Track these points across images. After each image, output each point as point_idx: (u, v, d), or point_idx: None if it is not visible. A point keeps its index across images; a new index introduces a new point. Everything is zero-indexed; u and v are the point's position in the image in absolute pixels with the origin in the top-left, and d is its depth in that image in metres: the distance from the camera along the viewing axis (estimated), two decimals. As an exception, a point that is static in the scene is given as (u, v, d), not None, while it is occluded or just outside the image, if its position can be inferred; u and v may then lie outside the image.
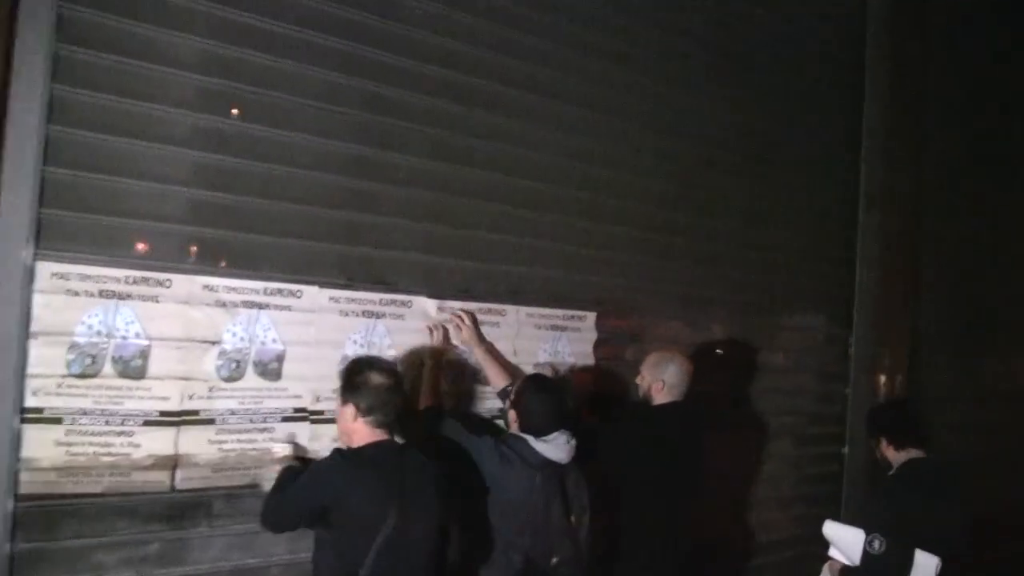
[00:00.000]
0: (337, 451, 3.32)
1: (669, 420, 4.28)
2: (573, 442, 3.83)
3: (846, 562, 4.09)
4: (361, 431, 3.30)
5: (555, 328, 4.75)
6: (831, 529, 4.19)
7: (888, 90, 6.76)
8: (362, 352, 3.98)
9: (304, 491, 3.21)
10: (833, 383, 6.59)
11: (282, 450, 3.80)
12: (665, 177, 5.40)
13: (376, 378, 3.30)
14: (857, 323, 6.62)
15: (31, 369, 3.22)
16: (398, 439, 3.42)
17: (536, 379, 4.04)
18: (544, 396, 3.85)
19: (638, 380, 4.43)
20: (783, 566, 6.00)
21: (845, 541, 4.10)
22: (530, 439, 3.78)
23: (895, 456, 4.34)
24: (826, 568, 4.28)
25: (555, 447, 3.78)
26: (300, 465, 3.64)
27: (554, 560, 3.77)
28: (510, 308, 4.56)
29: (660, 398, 4.31)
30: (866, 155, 6.70)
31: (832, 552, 4.19)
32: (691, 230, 5.55)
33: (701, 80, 5.61)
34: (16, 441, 3.19)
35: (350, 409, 3.30)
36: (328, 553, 3.24)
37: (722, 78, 5.74)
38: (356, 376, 3.33)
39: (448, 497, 3.44)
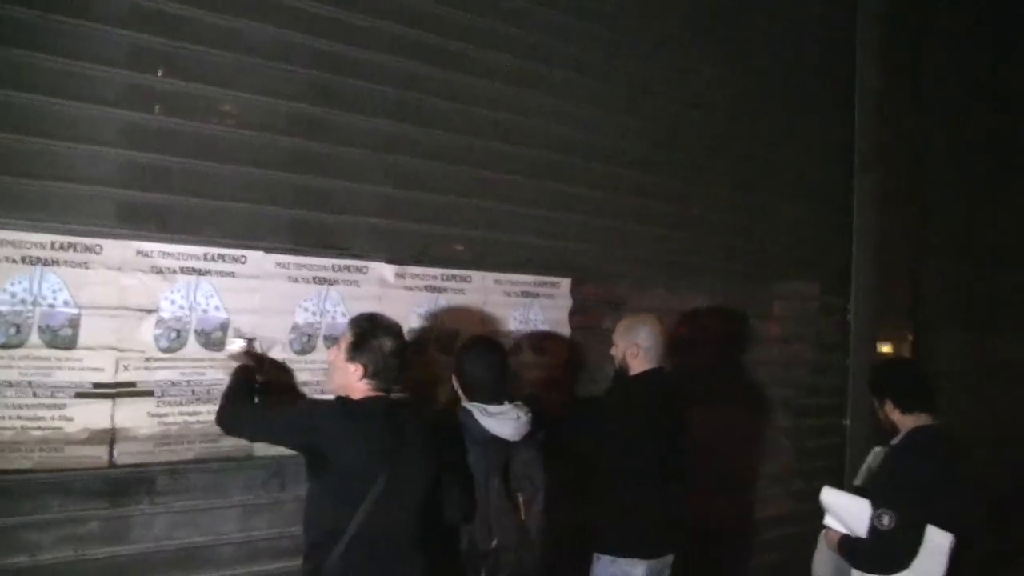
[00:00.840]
0: (339, 399, 3.27)
1: (649, 389, 4.12)
2: (525, 417, 3.64)
3: (844, 531, 3.89)
4: (361, 389, 3.27)
5: (526, 295, 4.59)
6: (830, 496, 3.97)
7: (882, 41, 6.56)
8: (315, 320, 3.89)
9: (301, 419, 3.24)
10: (832, 353, 6.43)
11: (236, 345, 3.68)
12: (644, 138, 5.23)
13: (389, 343, 3.28)
14: (855, 291, 6.44)
15: (-50, 340, 3.09)
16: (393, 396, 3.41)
17: (476, 339, 3.92)
18: (483, 358, 3.72)
19: (612, 350, 4.26)
20: (783, 543, 5.85)
21: (846, 510, 3.88)
22: (476, 411, 3.61)
23: (902, 420, 4.04)
24: (822, 537, 4.08)
25: (501, 422, 3.60)
26: (254, 365, 3.64)
27: (493, 543, 3.58)
28: (475, 274, 4.40)
29: (636, 365, 4.14)
30: (860, 112, 6.49)
31: (828, 520, 3.98)
32: (674, 194, 5.39)
33: (683, 35, 5.46)
34: (-66, 415, 3.06)
35: (356, 368, 3.26)
36: (318, 506, 3.22)
37: (705, 31, 5.58)
38: (370, 338, 3.27)
39: (439, 456, 3.43)
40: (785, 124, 6.06)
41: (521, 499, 3.61)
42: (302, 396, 3.83)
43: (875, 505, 3.73)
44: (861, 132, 6.48)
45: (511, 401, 3.67)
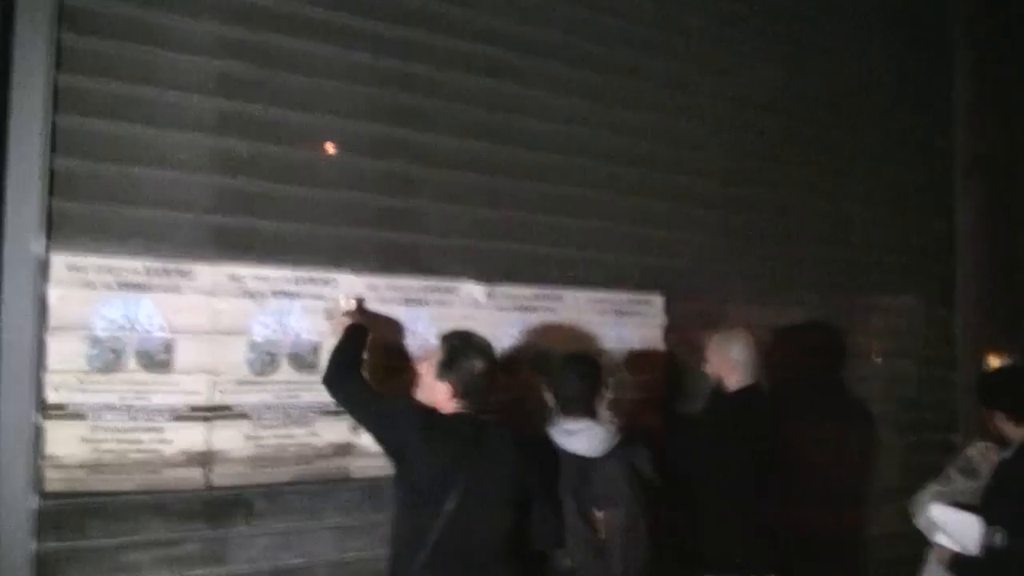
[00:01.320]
0: (429, 409, 3.29)
1: (746, 405, 4.05)
2: (605, 433, 3.61)
3: (956, 549, 3.75)
4: (450, 408, 3.29)
5: (619, 312, 4.54)
6: (941, 513, 3.85)
7: (980, 44, 6.37)
8: (408, 341, 3.90)
9: (389, 418, 3.25)
10: (937, 368, 6.19)
11: (345, 303, 3.69)
12: (738, 151, 5.14)
13: (477, 364, 3.27)
14: (960, 301, 6.24)
15: (50, 364, 3.15)
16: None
17: (572, 355, 3.91)
18: (573, 373, 3.72)
19: (705, 367, 4.21)
20: (888, 562, 5.66)
21: (957, 527, 3.77)
22: (555, 432, 3.61)
23: (1015, 433, 3.91)
24: (932, 556, 3.95)
25: (579, 439, 3.58)
26: (365, 323, 3.61)
27: (566, 562, 3.54)
28: (567, 293, 4.37)
29: (733, 381, 4.08)
30: (961, 118, 6.31)
31: (939, 538, 3.86)
32: (769, 207, 5.29)
33: (771, 47, 5.35)
34: (38, 437, 3.12)
35: (445, 387, 3.28)
36: (398, 515, 3.25)
37: (796, 44, 5.48)
38: (461, 358, 3.28)
39: (532, 479, 3.40)
40: (884, 132, 5.91)
41: (601, 517, 3.52)
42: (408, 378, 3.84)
43: (988, 522, 3.60)
44: (963, 139, 6.28)
45: (595, 417, 3.65)
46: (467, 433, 3.23)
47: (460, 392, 3.26)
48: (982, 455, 4.24)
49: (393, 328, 3.90)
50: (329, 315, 3.68)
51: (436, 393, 3.31)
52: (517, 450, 3.36)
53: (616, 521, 3.53)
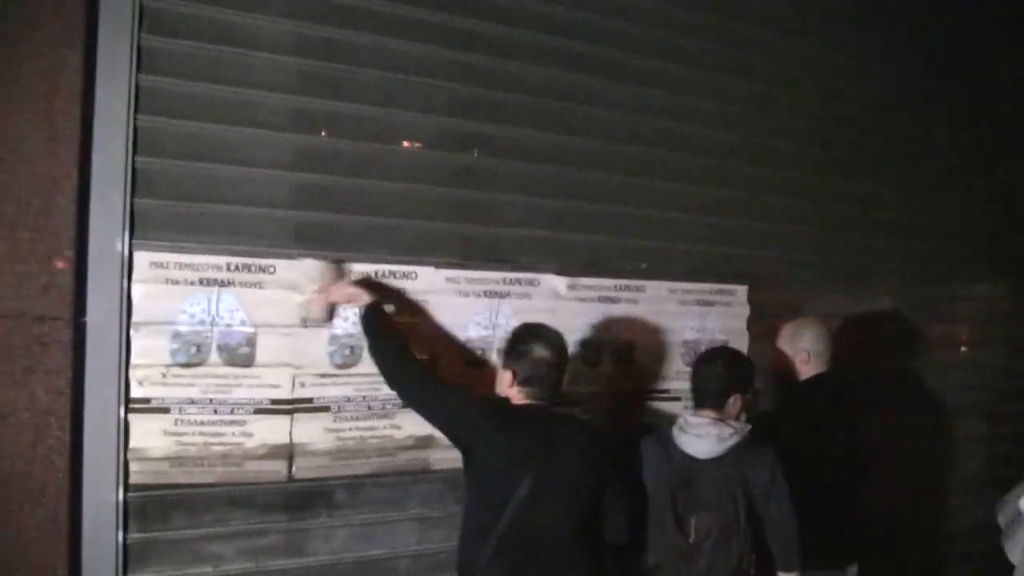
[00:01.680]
0: (496, 399, 3.36)
1: (821, 394, 4.01)
2: (719, 436, 3.52)
3: None
4: (515, 396, 3.31)
5: (702, 303, 4.47)
6: None
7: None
8: (487, 334, 3.88)
9: (452, 409, 3.25)
10: (1024, 356, 6.01)
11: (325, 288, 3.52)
12: (818, 140, 5.03)
13: (539, 351, 3.27)
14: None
15: (135, 359, 3.19)
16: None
17: (713, 348, 3.98)
18: (704, 365, 3.73)
19: (777, 358, 4.17)
20: (972, 557, 5.54)
21: None
22: (675, 427, 3.62)
23: None
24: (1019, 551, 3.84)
25: (690, 439, 3.54)
26: (387, 303, 3.57)
27: (650, 559, 3.54)
28: (650, 284, 4.31)
29: (807, 371, 4.06)
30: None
31: None
32: (849, 196, 5.16)
33: (850, 30, 5.19)
34: (124, 431, 3.17)
35: (508, 375, 3.33)
36: (469, 504, 3.28)
37: (875, 25, 5.31)
38: (520, 344, 3.33)
39: (605, 472, 3.33)
40: (966, 116, 5.73)
41: (693, 521, 3.46)
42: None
43: None
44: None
45: (722, 414, 3.62)
46: (536, 424, 3.22)
47: (523, 380, 3.28)
48: None
49: (399, 298, 3.75)
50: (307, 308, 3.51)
51: (503, 382, 3.36)
52: (590, 442, 3.32)
53: (708, 528, 3.46)
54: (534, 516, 3.10)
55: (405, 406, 3.50)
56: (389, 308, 3.56)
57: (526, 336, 3.34)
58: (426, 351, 3.67)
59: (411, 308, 3.73)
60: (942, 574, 5.61)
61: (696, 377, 3.72)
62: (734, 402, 3.65)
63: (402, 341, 3.38)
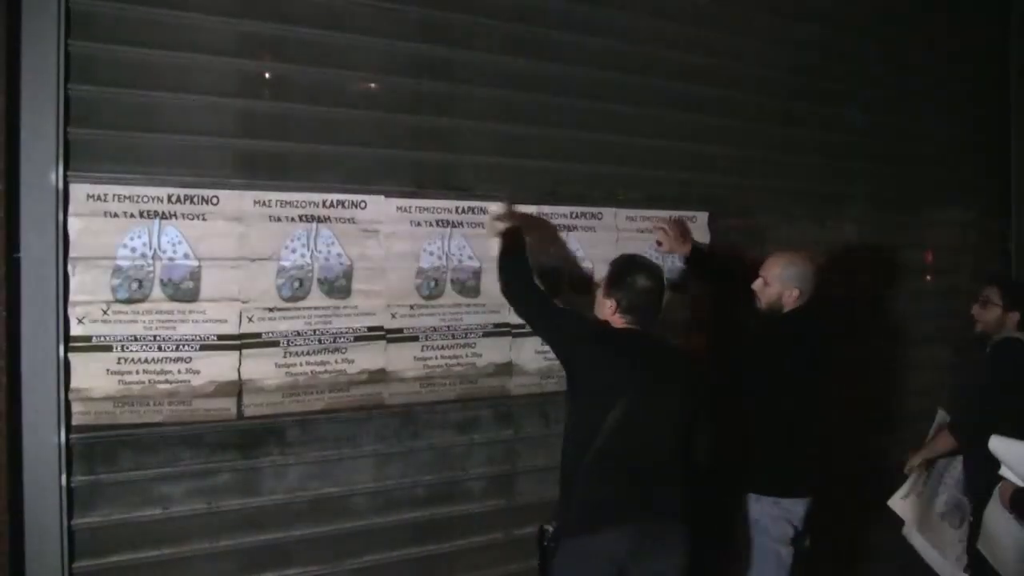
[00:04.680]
0: (599, 323, 3.48)
1: (805, 325, 3.98)
2: None
3: (1020, 483, 3.61)
4: (618, 323, 3.42)
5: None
6: (1000, 445, 3.67)
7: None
8: (440, 264, 3.81)
9: (566, 333, 3.43)
10: (993, 283, 5.98)
11: (496, 208, 3.85)
12: (784, 63, 4.94)
13: (642, 280, 3.39)
14: (1016, 215, 6.02)
15: (74, 296, 3.08)
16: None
17: None
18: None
19: (756, 286, 4.05)
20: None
21: (1020, 459, 3.61)
22: None
23: None
24: (996, 493, 3.80)
25: None
26: (518, 227, 3.76)
27: None
28: (606, 211, 4.23)
29: (790, 301, 3.99)
30: (1016, 26, 6.03)
31: (1004, 472, 3.69)
32: (812, 120, 5.09)
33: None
34: (64, 371, 3.06)
35: (610, 303, 3.42)
36: (569, 423, 3.40)
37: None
38: (624, 274, 3.43)
39: (698, 397, 3.50)
40: (932, 41, 5.65)
41: None
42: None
43: None
44: (1017, 47, 6.01)
45: None
46: (637, 348, 3.35)
47: (626, 307, 3.38)
48: None
49: (547, 230, 4.05)
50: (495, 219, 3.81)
51: (604, 310, 3.45)
52: (686, 368, 3.48)
53: None
54: (630, 435, 3.19)
55: (363, 338, 3.59)
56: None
57: (629, 266, 3.45)
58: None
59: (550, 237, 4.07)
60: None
61: None
62: None
63: (528, 266, 3.64)
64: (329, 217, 3.54)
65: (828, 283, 4.28)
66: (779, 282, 3.99)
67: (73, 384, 3.08)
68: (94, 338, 3.12)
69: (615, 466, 3.19)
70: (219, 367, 3.34)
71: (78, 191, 3.07)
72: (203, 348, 3.30)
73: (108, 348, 3.15)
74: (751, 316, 4.16)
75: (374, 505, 3.70)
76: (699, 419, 3.50)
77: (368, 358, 3.62)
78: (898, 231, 5.52)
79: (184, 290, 3.27)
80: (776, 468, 3.91)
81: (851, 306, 5.04)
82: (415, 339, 3.75)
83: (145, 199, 3.19)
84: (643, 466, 3.24)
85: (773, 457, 3.92)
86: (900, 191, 5.51)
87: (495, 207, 3.84)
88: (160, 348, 3.23)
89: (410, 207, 3.73)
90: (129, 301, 3.18)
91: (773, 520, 3.88)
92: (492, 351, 3.94)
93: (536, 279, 3.66)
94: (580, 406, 3.33)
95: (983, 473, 3.87)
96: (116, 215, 3.15)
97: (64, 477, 3.05)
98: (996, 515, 3.78)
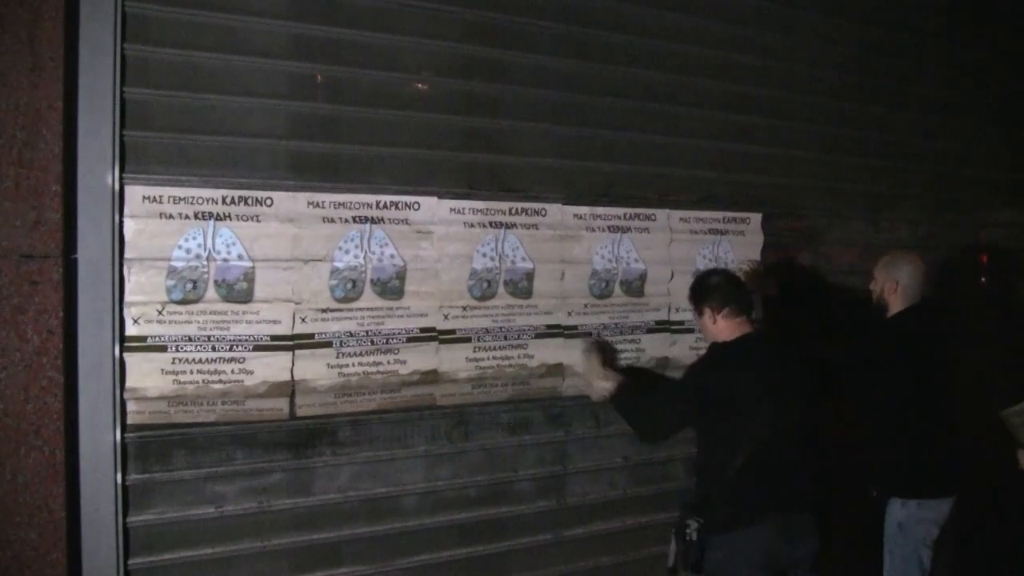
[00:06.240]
0: (713, 344, 3.56)
1: (909, 327, 4.00)
2: None
3: None
4: (725, 327, 3.50)
5: (714, 232, 4.36)
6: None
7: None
8: (493, 265, 3.79)
9: (680, 390, 3.56)
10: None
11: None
12: (836, 64, 4.87)
13: (715, 278, 3.56)
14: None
15: (129, 297, 3.10)
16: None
17: None
18: None
19: (871, 285, 4.15)
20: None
21: None
22: None
23: None
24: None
25: None
26: (617, 383, 3.77)
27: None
28: (659, 212, 4.20)
29: (895, 301, 4.06)
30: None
31: None
32: (868, 121, 5.01)
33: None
34: (120, 371, 3.08)
35: (707, 313, 3.52)
36: (704, 443, 3.52)
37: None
38: (700, 284, 3.59)
39: (817, 396, 3.61)
40: (991, 41, 5.56)
41: None
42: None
43: None
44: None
45: None
46: (763, 358, 3.44)
47: (720, 303, 3.47)
48: None
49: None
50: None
51: (709, 324, 3.53)
52: (806, 370, 3.55)
53: None
54: (771, 446, 3.30)
55: (415, 339, 3.60)
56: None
57: (699, 278, 3.63)
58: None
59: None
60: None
61: None
62: None
63: (636, 398, 3.69)
64: (382, 218, 3.54)
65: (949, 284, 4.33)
66: (882, 275, 4.09)
67: (128, 384, 3.10)
68: (149, 338, 3.14)
69: (756, 468, 3.27)
70: (272, 368, 3.34)
71: (134, 193, 3.10)
72: (256, 349, 3.31)
73: (163, 348, 3.16)
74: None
75: (424, 505, 3.70)
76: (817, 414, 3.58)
77: (420, 359, 3.62)
78: (953, 231, 5.43)
79: (238, 291, 3.28)
80: (916, 470, 3.92)
81: (980, 304, 5.10)
82: (467, 340, 3.74)
83: (200, 200, 3.21)
84: (779, 465, 3.32)
85: (910, 459, 3.93)
86: (955, 191, 5.42)
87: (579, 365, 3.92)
88: (214, 348, 3.25)
89: (463, 208, 3.71)
90: (184, 302, 3.20)
91: (918, 522, 3.91)
92: (544, 352, 3.91)
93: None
94: (714, 427, 3.41)
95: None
96: (171, 216, 3.17)
97: (119, 475, 3.08)
98: None
